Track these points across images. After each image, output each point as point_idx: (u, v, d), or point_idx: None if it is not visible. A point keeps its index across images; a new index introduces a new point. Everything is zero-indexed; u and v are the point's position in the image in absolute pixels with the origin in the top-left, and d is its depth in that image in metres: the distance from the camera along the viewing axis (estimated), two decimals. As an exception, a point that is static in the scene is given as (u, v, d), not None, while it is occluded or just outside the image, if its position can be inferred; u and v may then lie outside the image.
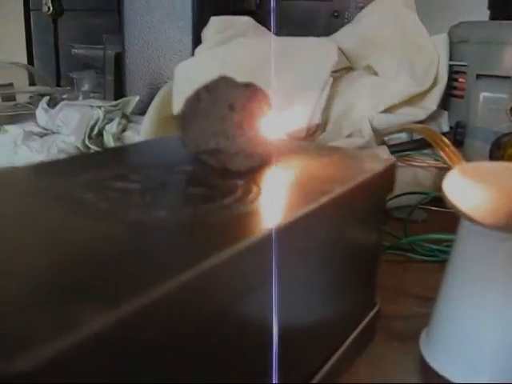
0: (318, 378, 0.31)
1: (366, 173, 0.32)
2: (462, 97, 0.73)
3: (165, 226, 0.23)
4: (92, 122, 0.66)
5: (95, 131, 0.66)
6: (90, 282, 0.17)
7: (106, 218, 0.23)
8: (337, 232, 0.30)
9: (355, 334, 0.35)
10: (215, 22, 0.72)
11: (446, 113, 0.74)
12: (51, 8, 1.18)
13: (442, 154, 0.48)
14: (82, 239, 0.21)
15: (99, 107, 0.67)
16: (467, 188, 0.32)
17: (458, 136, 0.66)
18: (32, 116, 0.80)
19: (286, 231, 0.23)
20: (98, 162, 0.34)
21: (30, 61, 1.23)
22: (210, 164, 0.31)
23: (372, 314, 0.37)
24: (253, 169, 0.31)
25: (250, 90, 0.32)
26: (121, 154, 0.39)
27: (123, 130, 0.67)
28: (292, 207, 0.25)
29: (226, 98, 0.31)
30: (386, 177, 0.34)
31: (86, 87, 1.05)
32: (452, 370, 0.35)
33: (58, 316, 0.15)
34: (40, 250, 0.20)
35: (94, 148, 0.64)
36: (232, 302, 0.21)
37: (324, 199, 0.26)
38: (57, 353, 0.14)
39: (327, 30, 0.88)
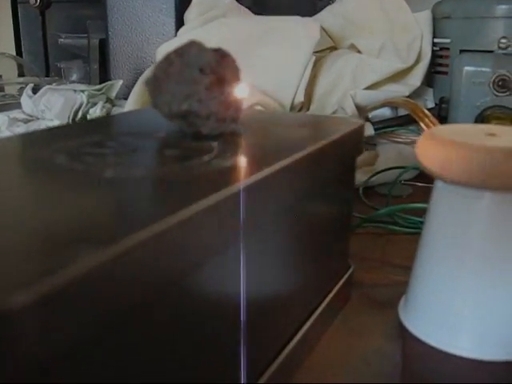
0: (297, 337, 0.31)
1: (335, 133, 0.32)
2: (446, 73, 0.73)
3: (137, 182, 0.23)
4: (76, 107, 0.65)
5: (79, 115, 0.65)
6: (71, 232, 0.17)
7: (82, 177, 0.24)
8: (307, 191, 0.30)
9: (332, 294, 0.36)
10: (197, 3, 0.72)
11: (430, 90, 0.74)
12: (38, 0, 1.17)
13: (421, 124, 0.48)
14: (61, 197, 0.21)
15: (83, 91, 0.66)
16: (439, 147, 0.32)
17: (442, 112, 0.65)
18: (19, 105, 0.80)
19: (257, 188, 0.23)
20: (74, 132, 0.35)
21: (19, 53, 1.23)
22: (182, 128, 0.32)
23: (347, 275, 0.38)
24: (224, 132, 0.31)
25: (219, 55, 0.32)
26: (98, 124, 0.39)
27: (107, 114, 0.67)
28: (264, 165, 0.25)
29: (196, 61, 0.31)
30: (355, 138, 0.35)
31: (74, 77, 1.05)
32: (429, 333, 0.35)
33: (49, 257, 0.15)
34: (25, 208, 0.20)
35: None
36: (204, 259, 0.21)
37: (295, 156, 0.27)
38: (48, 290, 0.14)
39: (313, 12, 0.88)
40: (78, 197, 0.21)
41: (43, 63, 1.19)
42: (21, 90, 1.06)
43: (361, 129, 0.35)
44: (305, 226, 0.31)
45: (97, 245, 0.16)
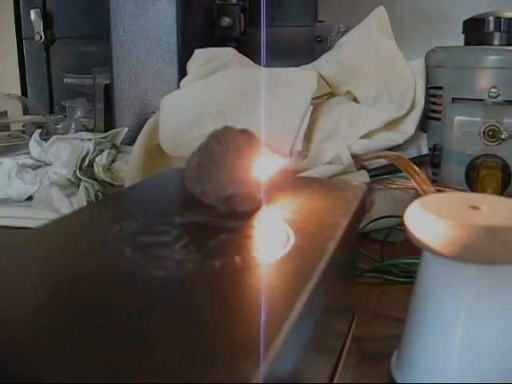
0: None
1: (352, 208, 0.34)
2: (439, 119, 0.75)
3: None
4: (83, 154, 0.68)
5: (86, 163, 0.68)
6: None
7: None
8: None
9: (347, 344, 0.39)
10: (199, 54, 0.75)
11: (425, 135, 0.76)
12: (43, 37, 1.20)
13: (412, 181, 0.51)
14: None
15: (89, 140, 0.69)
16: (427, 221, 0.34)
17: (435, 159, 0.68)
18: (25, 146, 0.83)
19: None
20: (112, 212, 0.37)
21: (24, 89, 1.26)
22: (224, 209, 0.35)
23: (354, 323, 0.41)
24: (259, 209, 0.35)
25: (248, 136, 0.35)
26: (127, 200, 0.41)
27: (113, 161, 0.70)
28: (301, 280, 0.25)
29: (234, 146, 0.35)
30: (364, 203, 0.38)
31: (78, 114, 1.08)
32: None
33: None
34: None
35: (84, 179, 0.67)
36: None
37: (326, 256, 0.28)
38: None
39: (311, 54, 0.91)
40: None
41: (47, 99, 1.22)
42: (25, 127, 1.09)
43: (366, 192, 0.38)
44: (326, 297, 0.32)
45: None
